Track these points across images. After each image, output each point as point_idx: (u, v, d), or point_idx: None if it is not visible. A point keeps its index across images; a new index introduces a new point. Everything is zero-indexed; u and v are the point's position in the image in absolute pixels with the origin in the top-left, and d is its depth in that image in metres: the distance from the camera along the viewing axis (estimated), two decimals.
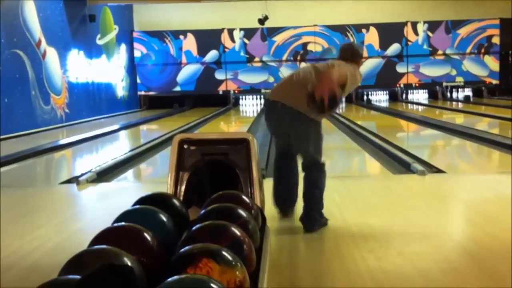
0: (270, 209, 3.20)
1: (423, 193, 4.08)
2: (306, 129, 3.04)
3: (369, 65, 16.25)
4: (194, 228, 1.51)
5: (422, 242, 2.84)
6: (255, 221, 1.70)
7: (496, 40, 16.27)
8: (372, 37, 16.23)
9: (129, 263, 1.22)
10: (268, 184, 4.31)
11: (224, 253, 1.28)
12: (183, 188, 2.11)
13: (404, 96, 16.53)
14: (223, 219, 1.53)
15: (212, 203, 1.76)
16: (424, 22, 16.20)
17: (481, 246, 2.77)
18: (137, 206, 1.67)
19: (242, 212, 1.62)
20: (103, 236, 1.48)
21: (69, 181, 4.86)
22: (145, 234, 1.45)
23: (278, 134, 3.26)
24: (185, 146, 2.13)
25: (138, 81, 16.15)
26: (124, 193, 4.45)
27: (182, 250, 1.32)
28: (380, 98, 16.46)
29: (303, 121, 3.01)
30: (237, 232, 1.46)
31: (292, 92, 3.05)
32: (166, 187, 2.09)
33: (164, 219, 1.61)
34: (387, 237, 2.94)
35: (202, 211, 1.67)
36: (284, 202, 3.33)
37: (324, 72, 2.88)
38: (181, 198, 2.09)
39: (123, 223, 1.60)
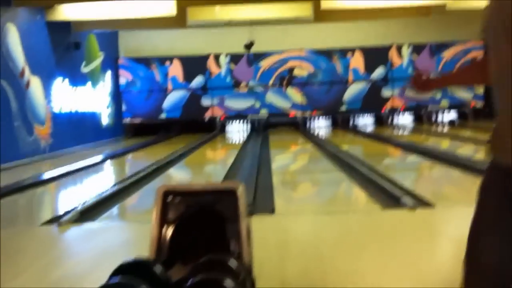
0: (258, 261, 3.08)
1: (414, 229, 4.01)
2: None
3: (355, 89, 16.32)
4: None
5: (414, 284, 2.75)
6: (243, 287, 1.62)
7: None
8: (357, 61, 16.33)
9: None
10: (257, 224, 4.20)
11: None
12: (166, 243, 2.02)
13: (390, 120, 16.57)
14: None
15: (196, 271, 1.67)
16: (409, 45, 16.34)
17: None
18: (116, 282, 1.57)
19: (228, 284, 1.54)
20: None
21: (51, 221, 4.72)
22: None
23: None
24: (170, 198, 2.05)
25: (124, 108, 16.04)
26: (108, 234, 4.32)
27: None
28: (366, 122, 16.49)
29: None
30: None
31: None
32: (149, 241, 2.01)
33: None
34: (378, 280, 2.85)
35: (187, 285, 1.58)
36: None
37: None
38: (165, 254, 2.00)
39: None
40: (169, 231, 2.01)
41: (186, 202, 2.05)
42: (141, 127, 15.92)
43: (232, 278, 1.59)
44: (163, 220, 2.04)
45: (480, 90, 16.46)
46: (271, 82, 16.25)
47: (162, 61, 16.04)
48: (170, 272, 1.83)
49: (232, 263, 1.75)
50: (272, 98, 16.25)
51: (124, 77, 16.03)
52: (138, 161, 10.77)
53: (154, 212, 2.05)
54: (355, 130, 14.89)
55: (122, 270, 1.67)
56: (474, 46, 16.24)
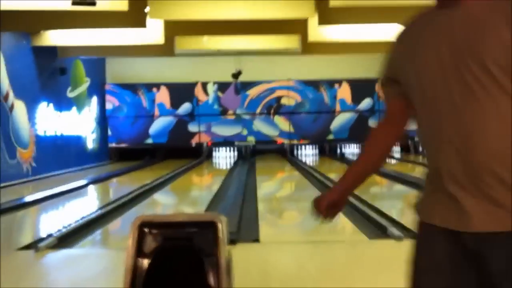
0: None
1: (401, 261, 3.91)
2: None
3: (342, 119, 16.38)
4: None
5: None
6: None
7: None
8: (344, 92, 16.43)
9: None
10: (240, 252, 4.11)
11: None
12: (142, 276, 1.92)
13: None
14: None
15: None
16: None
17: None
18: None
19: None
20: None
21: (28, 246, 4.58)
22: None
23: None
24: (146, 230, 1.96)
25: (109, 133, 15.92)
26: (87, 261, 4.20)
27: None
28: (353, 151, 16.51)
29: None
30: None
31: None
32: (124, 274, 1.91)
33: None
34: None
35: None
36: None
37: None
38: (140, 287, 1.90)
39: None
40: (144, 264, 1.92)
41: (164, 235, 1.96)
42: (127, 152, 15.80)
43: None
44: (139, 253, 1.95)
45: None
46: (258, 110, 16.26)
47: (149, 87, 16.01)
48: None
49: None
50: (260, 125, 16.25)
51: (111, 102, 15.96)
52: (122, 185, 10.63)
53: (129, 244, 1.96)
54: (343, 159, 14.87)
55: None
56: None
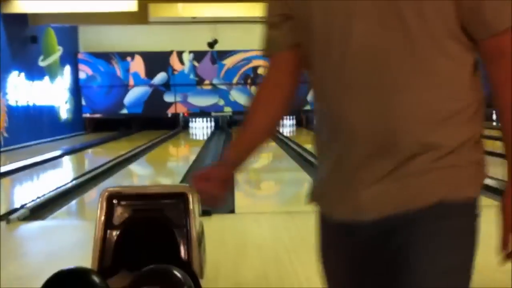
0: (215, 263, 2.96)
1: None
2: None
3: None
4: None
5: None
6: None
7: None
8: None
9: None
10: (215, 224, 4.09)
11: None
12: (111, 249, 1.88)
13: None
14: None
15: (137, 283, 1.55)
16: None
17: None
18: None
19: None
20: None
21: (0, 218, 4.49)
22: None
23: None
24: (115, 202, 1.91)
25: (83, 103, 15.67)
26: (59, 233, 4.13)
27: None
28: None
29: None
30: None
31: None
32: (92, 247, 1.87)
33: None
34: None
35: None
36: None
37: None
38: (109, 260, 1.87)
39: None
40: (114, 237, 1.88)
41: (133, 206, 1.92)
42: (101, 122, 15.60)
43: None
44: (108, 224, 1.91)
45: None
46: (235, 80, 16.13)
47: (123, 56, 15.73)
48: (113, 280, 1.70)
49: (177, 273, 1.63)
50: (237, 96, 16.14)
51: (84, 72, 15.66)
52: (97, 156, 10.51)
53: (97, 216, 1.91)
54: None
55: (59, 279, 1.54)
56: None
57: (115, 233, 1.88)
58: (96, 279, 1.47)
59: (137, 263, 1.73)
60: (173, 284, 1.56)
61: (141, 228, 1.89)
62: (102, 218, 1.87)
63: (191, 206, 1.89)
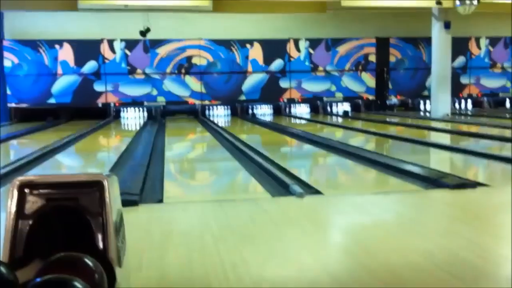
0: (139, 252, 2.90)
1: (301, 218, 4.00)
2: None
3: (253, 79, 16.41)
4: None
5: (296, 280, 2.71)
6: None
7: (372, 58, 17.14)
8: (256, 52, 16.41)
9: None
10: (143, 214, 4.03)
11: None
12: (23, 239, 1.80)
13: (287, 110, 16.86)
14: None
15: (44, 272, 1.49)
16: (306, 40, 16.67)
17: (356, 280, 2.70)
18: None
19: (75, 286, 1.37)
20: None
21: None
22: None
23: None
24: (27, 191, 1.83)
25: (8, 92, 15.02)
26: None
27: None
28: (264, 112, 16.65)
29: None
30: None
31: None
32: (3, 238, 1.79)
33: None
34: (261, 271, 2.78)
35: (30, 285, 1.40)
36: None
37: None
38: (21, 251, 1.79)
39: None
40: (26, 227, 1.81)
41: (46, 195, 1.84)
42: (28, 112, 15.03)
43: (84, 278, 1.43)
44: (20, 214, 1.83)
45: (372, 83, 17.20)
46: (169, 69, 15.92)
47: (51, 44, 15.17)
48: (22, 272, 1.63)
49: (87, 261, 1.58)
50: (170, 85, 15.94)
51: (9, 60, 15.00)
52: (22, 147, 10.10)
53: (8, 205, 1.82)
54: (254, 120, 14.97)
55: None
56: (367, 42, 16.94)
57: (27, 223, 1.81)
58: (2, 269, 1.40)
59: (50, 253, 1.67)
60: (83, 272, 1.52)
61: (54, 218, 1.83)
62: (13, 208, 1.79)
63: (107, 195, 1.84)
